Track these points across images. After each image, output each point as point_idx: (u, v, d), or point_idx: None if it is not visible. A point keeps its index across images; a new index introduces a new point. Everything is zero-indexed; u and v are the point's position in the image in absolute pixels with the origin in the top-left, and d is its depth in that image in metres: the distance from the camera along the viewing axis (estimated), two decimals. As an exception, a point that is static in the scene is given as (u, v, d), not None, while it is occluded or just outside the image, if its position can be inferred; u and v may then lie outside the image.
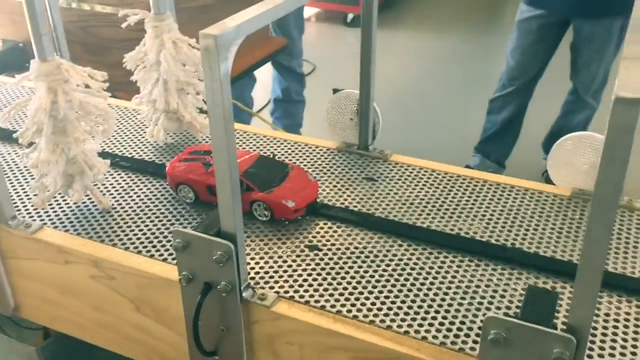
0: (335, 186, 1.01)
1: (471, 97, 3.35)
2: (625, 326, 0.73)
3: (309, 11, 4.82)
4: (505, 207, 0.95)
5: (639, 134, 0.53)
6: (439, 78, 3.58)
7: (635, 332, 0.72)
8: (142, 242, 0.88)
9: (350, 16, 4.54)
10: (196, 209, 0.95)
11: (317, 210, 0.93)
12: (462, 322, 0.73)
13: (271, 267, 0.83)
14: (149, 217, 0.93)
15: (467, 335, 0.71)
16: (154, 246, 0.87)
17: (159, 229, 0.91)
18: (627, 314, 0.74)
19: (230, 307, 0.76)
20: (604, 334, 0.71)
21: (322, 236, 0.88)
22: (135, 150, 1.12)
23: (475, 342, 0.71)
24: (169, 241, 0.88)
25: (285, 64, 2.70)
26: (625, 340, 0.71)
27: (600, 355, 0.69)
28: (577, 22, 2.30)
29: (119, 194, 0.99)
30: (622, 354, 0.69)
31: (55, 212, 0.94)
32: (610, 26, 2.25)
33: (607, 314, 0.74)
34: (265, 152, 1.11)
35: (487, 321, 0.61)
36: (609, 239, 0.54)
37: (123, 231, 0.90)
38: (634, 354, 0.69)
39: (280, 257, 0.85)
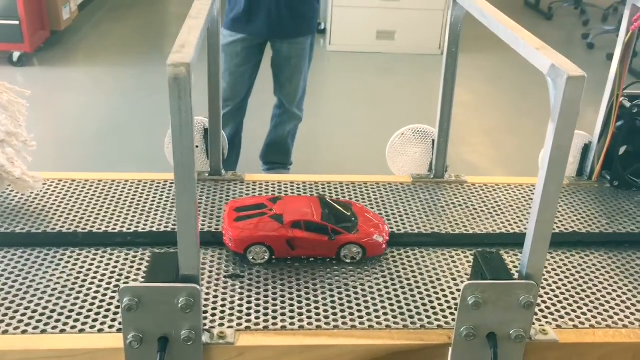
0: (211, 213, 0.98)
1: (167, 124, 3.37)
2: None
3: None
4: (371, 200, 1.05)
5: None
6: (128, 109, 3.46)
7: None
8: (39, 320, 0.74)
9: (16, 55, 3.97)
10: (88, 268, 0.83)
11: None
12: (408, 304, 0.80)
13: (205, 305, 0.78)
14: (28, 292, 0.79)
15: (419, 313, 0.79)
16: (57, 320, 0.75)
17: (48, 301, 0.78)
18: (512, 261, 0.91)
19: (191, 355, 0.70)
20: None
21: (234, 263, 0.86)
22: (-51, 224, 0.92)
23: (418, 314, 0.78)
24: (71, 310, 0.76)
25: None
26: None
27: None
28: (276, 43, 2.54)
29: (-33, 275, 0.81)
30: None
31: None
32: (303, 44, 2.55)
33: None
34: (137, 194, 1.02)
35: (465, 288, 0.69)
36: (558, 195, 0.67)
37: (5, 315, 0.75)
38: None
39: (207, 293, 0.80)
